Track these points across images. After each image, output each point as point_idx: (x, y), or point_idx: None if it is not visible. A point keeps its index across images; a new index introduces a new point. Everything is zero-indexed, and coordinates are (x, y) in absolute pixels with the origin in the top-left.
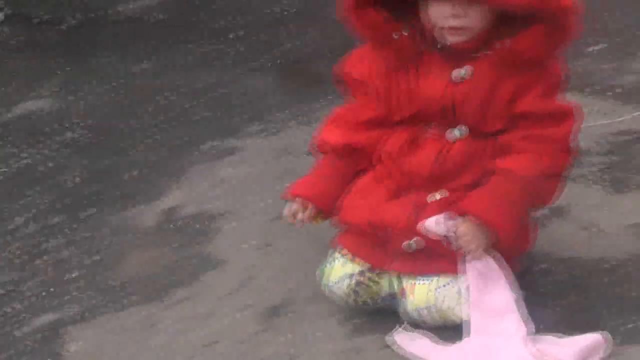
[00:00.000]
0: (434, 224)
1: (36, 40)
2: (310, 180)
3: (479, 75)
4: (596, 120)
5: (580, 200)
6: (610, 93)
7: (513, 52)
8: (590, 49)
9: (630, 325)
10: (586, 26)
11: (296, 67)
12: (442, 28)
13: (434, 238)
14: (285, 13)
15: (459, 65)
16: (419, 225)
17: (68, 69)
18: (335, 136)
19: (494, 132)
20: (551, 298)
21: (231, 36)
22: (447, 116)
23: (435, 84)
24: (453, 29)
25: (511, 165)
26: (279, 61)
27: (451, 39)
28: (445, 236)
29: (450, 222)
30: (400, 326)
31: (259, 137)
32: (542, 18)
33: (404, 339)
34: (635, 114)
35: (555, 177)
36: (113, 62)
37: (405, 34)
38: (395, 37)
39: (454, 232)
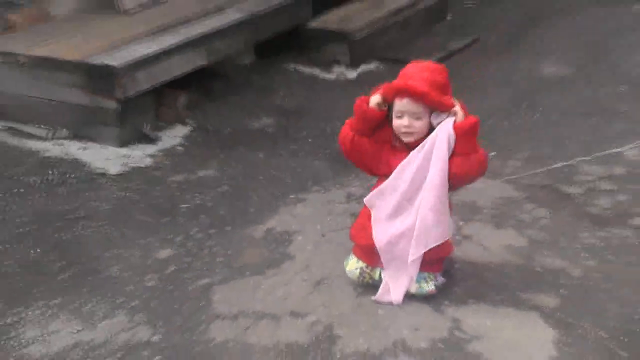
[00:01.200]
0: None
1: (209, 140)
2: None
3: None
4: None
5: (480, 232)
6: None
7: None
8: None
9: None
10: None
11: (338, 158)
12: (400, 133)
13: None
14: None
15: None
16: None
17: (222, 155)
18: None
19: None
20: (459, 280)
21: (306, 141)
22: None
23: (400, 159)
24: (404, 134)
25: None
26: (327, 155)
27: (405, 139)
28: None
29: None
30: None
31: (317, 194)
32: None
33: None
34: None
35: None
36: (246, 152)
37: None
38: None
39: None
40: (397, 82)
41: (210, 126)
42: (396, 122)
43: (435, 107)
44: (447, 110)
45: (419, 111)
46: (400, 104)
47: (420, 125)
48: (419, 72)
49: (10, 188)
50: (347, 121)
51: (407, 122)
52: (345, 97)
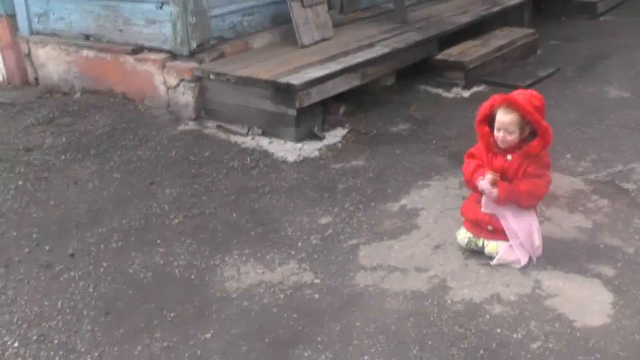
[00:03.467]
0: (484, 185)
1: (360, 139)
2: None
3: (514, 160)
4: None
5: (556, 215)
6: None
7: (526, 152)
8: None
9: (574, 265)
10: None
11: (454, 156)
12: (498, 141)
13: (481, 188)
14: (452, 134)
15: (508, 153)
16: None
17: (369, 150)
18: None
19: (517, 181)
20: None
21: (431, 142)
22: (502, 174)
23: (499, 162)
24: (502, 142)
25: (520, 184)
26: (447, 153)
27: (502, 146)
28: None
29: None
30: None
31: (438, 181)
32: (538, 135)
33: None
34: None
35: (534, 198)
36: (387, 149)
37: (492, 139)
38: (491, 139)
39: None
40: (505, 95)
41: (362, 129)
42: (495, 133)
43: (529, 121)
44: (536, 125)
45: (512, 129)
46: (499, 119)
47: (511, 138)
48: (522, 93)
49: (219, 169)
50: (466, 160)
51: (502, 135)
52: (461, 110)
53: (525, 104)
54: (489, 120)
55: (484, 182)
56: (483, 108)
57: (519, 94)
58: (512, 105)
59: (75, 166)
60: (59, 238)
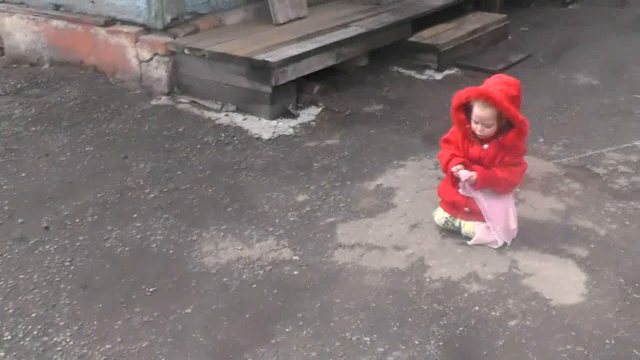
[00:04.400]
0: (462, 174)
1: (334, 118)
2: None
3: (491, 149)
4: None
5: (531, 197)
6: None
7: (502, 143)
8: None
9: (547, 246)
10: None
11: (429, 137)
12: (476, 132)
13: (461, 177)
14: (426, 115)
15: (484, 143)
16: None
17: (344, 130)
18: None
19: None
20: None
21: (405, 123)
22: (478, 162)
23: (475, 150)
24: (479, 135)
25: (497, 172)
26: (421, 134)
27: (480, 136)
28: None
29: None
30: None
31: (413, 162)
32: (514, 128)
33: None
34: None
35: (510, 185)
36: (361, 128)
37: (468, 127)
38: (467, 126)
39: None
40: (481, 87)
41: (336, 108)
42: (473, 125)
43: (506, 116)
44: (513, 120)
45: (490, 122)
46: (476, 113)
47: (489, 131)
48: (498, 83)
49: (193, 144)
50: (442, 145)
51: (480, 128)
52: (433, 92)
53: (502, 99)
54: (465, 107)
55: (462, 173)
56: (458, 97)
57: (495, 85)
58: (488, 100)
59: (46, 138)
60: (32, 211)
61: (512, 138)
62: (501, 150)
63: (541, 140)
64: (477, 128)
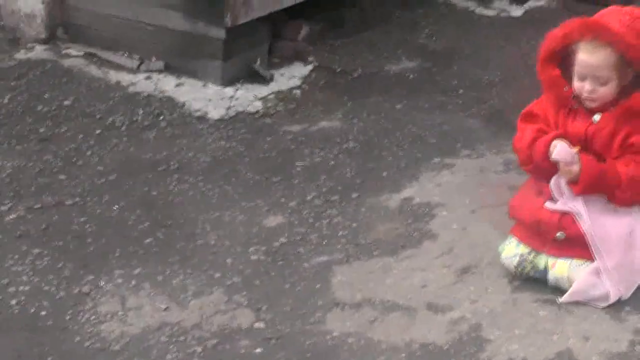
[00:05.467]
0: (563, 151)
1: (334, 83)
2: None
3: (605, 121)
4: None
5: None
6: None
7: (626, 108)
8: None
9: None
10: None
11: (496, 116)
12: (582, 95)
13: (559, 159)
14: (494, 79)
15: (595, 112)
16: (554, 154)
17: (350, 103)
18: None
19: (612, 158)
20: None
21: (456, 92)
22: (584, 145)
23: (579, 125)
24: (588, 99)
25: (617, 164)
26: (483, 112)
27: (587, 104)
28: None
29: (570, 156)
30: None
31: (467, 159)
32: None
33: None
34: None
35: (639, 189)
36: (380, 101)
37: (568, 89)
38: (565, 89)
39: (567, 161)
40: (588, 17)
41: (337, 66)
42: (577, 84)
43: (632, 59)
44: None
45: (605, 75)
46: (583, 59)
47: (604, 91)
48: (617, 14)
49: (90, 128)
50: (520, 125)
51: (590, 87)
52: (508, 38)
53: (625, 32)
54: (561, 58)
55: (559, 147)
56: (550, 39)
57: (610, 15)
58: (602, 36)
59: None
60: None
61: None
62: (624, 124)
63: None
64: (583, 88)
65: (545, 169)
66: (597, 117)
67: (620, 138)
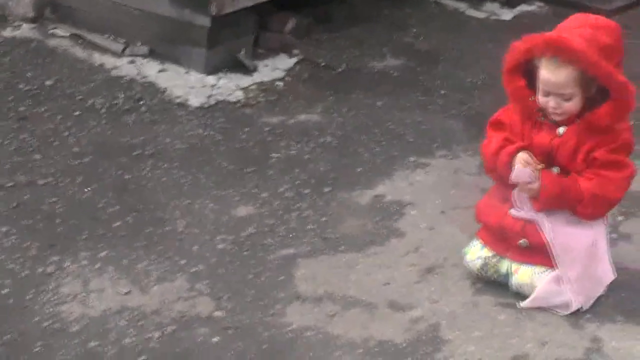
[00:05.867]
0: (521, 174)
1: (317, 77)
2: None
3: (569, 135)
4: None
5: None
6: None
7: (590, 122)
8: None
9: None
10: None
11: (476, 118)
12: (547, 110)
13: (518, 181)
14: (477, 82)
15: (560, 124)
16: (512, 176)
17: (331, 98)
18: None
19: (575, 171)
20: (608, 289)
21: (438, 93)
22: (548, 157)
23: (544, 137)
24: (553, 114)
25: (579, 180)
26: (463, 114)
27: (552, 117)
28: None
29: (528, 177)
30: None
31: (443, 159)
32: (610, 96)
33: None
34: None
35: (601, 204)
36: (362, 98)
37: (533, 99)
38: (531, 99)
39: (526, 182)
40: (550, 33)
41: (322, 61)
42: (542, 99)
43: (591, 76)
44: (606, 81)
45: (568, 92)
46: (545, 77)
47: (569, 107)
48: (579, 27)
49: (69, 109)
50: (489, 132)
51: (554, 104)
52: (495, 40)
53: (585, 49)
54: (526, 68)
55: (517, 170)
56: (514, 51)
57: (572, 30)
58: (563, 54)
59: None
60: None
61: (606, 114)
62: (588, 138)
63: None
64: (548, 103)
65: (509, 179)
66: (561, 130)
67: (584, 152)
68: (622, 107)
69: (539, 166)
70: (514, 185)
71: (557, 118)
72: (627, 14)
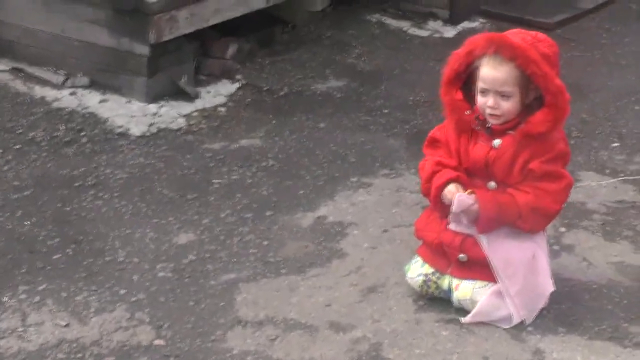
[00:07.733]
0: (462, 204)
1: (260, 101)
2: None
3: (506, 146)
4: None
5: (583, 242)
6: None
7: (526, 131)
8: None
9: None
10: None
11: (418, 136)
12: (485, 112)
13: (460, 211)
14: (419, 100)
15: (495, 136)
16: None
17: (274, 122)
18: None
19: (513, 184)
20: (549, 301)
21: (381, 112)
22: (485, 171)
23: (480, 150)
24: (491, 116)
25: (516, 195)
26: (406, 132)
27: (491, 121)
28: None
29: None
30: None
31: (385, 178)
32: (545, 104)
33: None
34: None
35: (540, 217)
36: (304, 120)
37: (469, 112)
38: (467, 113)
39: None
40: (491, 32)
41: (264, 85)
42: (480, 100)
43: (533, 76)
44: (544, 84)
45: (507, 90)
46: (486, 74)
47: (508, 106)
48: (521, 34)
49: (9, 143)
50: (425, 150)
51: (493, 102)
52: (438, 59)
53: (527, 48)
54: (463, 81)
55: (457, 201)
56: (454, 59)
57: (514, 34)
58: (505, 49)
59: None
60: None
61: (542, 121)
62: (524, 149)
63: (616, 144)
64: (486, 103)
65: (441, 206)
66: (497, 142)
67: (520, 163)
68: (558, 113)
69: (471, 194)
70: (446, 212)
71: (494, 121)
72: (570, 26)
